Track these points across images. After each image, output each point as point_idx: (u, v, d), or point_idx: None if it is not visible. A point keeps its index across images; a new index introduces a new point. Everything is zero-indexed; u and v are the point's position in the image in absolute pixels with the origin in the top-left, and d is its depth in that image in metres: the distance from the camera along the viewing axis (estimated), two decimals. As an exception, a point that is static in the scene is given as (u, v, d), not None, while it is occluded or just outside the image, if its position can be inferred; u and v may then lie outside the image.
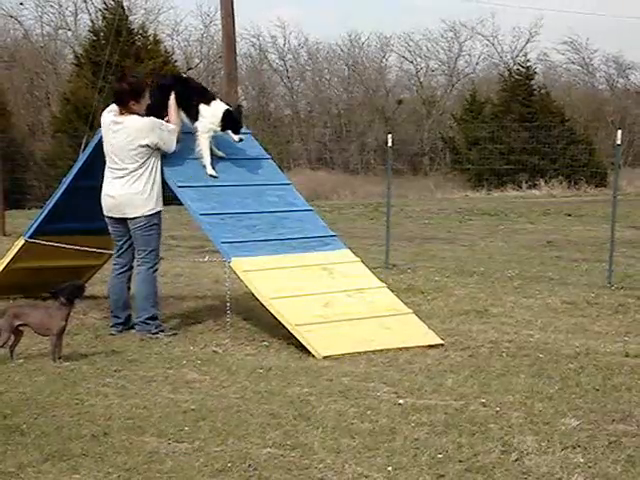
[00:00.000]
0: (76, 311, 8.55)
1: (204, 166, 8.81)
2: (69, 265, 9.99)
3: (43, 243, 9.59)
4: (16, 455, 5.29)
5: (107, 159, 8.65)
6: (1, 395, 6.55)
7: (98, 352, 7.92)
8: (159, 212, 8.64)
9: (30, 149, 36.52)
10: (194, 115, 8.83)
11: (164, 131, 8.56)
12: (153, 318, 8.60)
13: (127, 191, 8.52)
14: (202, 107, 8.81)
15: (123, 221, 8.64)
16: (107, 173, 8.67)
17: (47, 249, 9.60)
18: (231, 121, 8.83)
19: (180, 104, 8.84)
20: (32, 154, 36.10)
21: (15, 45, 47.41)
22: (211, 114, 8.78)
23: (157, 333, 8.51)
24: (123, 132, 8.49)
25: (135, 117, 8.54)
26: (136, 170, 8.51)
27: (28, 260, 9.86)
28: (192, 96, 8.88)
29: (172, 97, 8.80)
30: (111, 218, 8.69)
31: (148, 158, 8.53)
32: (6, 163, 20.54)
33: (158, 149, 8.55)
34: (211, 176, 8.80)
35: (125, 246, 8.75)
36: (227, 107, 8.86)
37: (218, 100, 8.96)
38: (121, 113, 8.58)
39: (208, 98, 8.90)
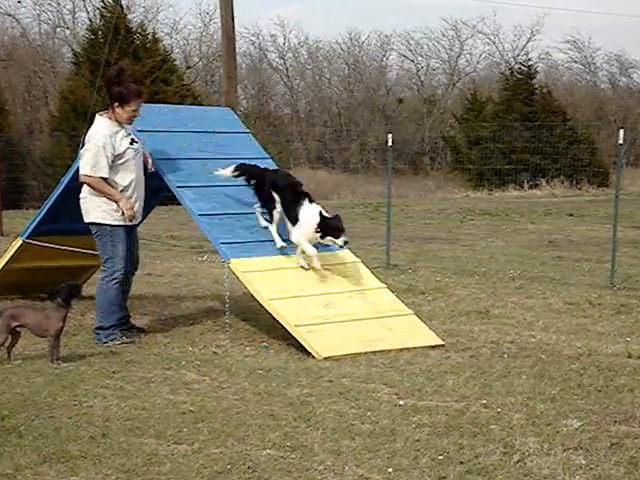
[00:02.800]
0: (74, 312, 8.53)
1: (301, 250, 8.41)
2: (67, 265, 9.97)
3: (40, 244, 9.54)
4: (14, 457, 5.27)
5: None
6: (-1, 396, 6.53)
7: (96, 353, 7.89)
8: (106, 225, 8.32)
9: (28, 148, 36.44)
10: (294, 219, 8.42)
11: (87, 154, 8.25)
12: (102, 328, 8.37)
13: (80, 195, 8.43)
14: (301, 212, 8.41)
15: None
16: None
17: (45, 249, 9.56)
18: (330, 229, 8.34)
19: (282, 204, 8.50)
20: (30, 153, 36.04)
21: (13, 43, 47.31)
22: (310, 220, 8.32)
23: (106, 342, 8.27)
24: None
25: (99, 125, 8.30)
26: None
27: (25, 260, 9.82)
28: (294, 199, 8.48)
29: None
30: None
31: None
32: (3, 162, 20.58)
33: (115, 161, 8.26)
34: (281, 247, 8.46)
35: None
36: (320, 211, 8.39)
37: (314, 203, 8.49)
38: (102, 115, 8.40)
39: (307, 201, 8.45)
